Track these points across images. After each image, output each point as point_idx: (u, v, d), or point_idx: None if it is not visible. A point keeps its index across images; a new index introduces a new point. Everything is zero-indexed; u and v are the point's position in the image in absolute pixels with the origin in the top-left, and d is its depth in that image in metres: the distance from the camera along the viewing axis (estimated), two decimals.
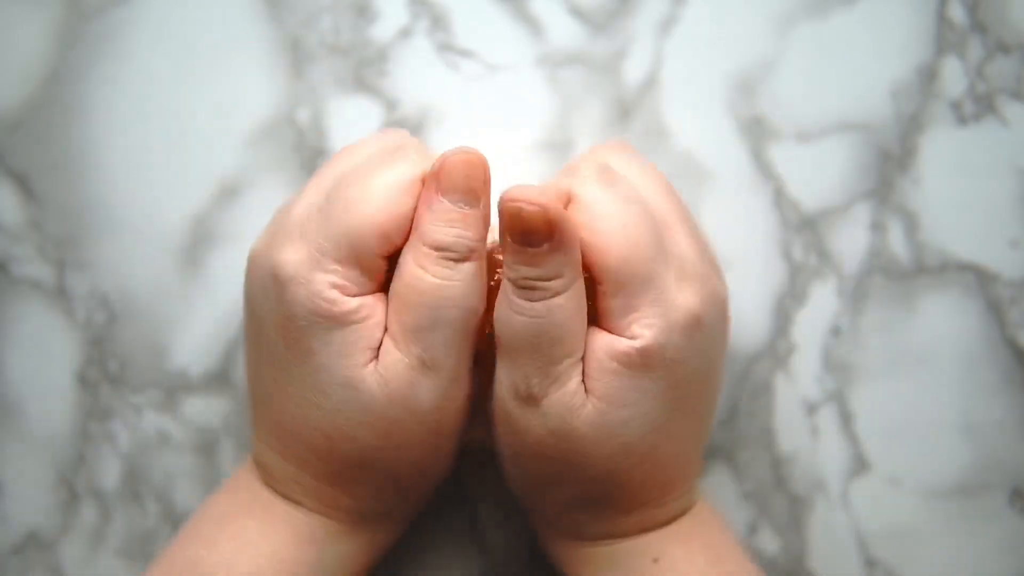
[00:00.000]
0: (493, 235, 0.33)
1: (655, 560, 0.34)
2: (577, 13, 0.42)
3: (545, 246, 0.30)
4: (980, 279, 0.41)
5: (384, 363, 0.31)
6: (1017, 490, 0.41)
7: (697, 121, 0.42)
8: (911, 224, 0.42)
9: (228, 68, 0.42)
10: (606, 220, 0.32)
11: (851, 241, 0.42)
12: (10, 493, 0.42)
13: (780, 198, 0.42)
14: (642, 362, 0.31)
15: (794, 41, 0.42)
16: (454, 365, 0.32)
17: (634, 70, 0.42)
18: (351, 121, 0.42)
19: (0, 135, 0.42)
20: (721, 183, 0.41)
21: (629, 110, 0.42)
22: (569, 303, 0.31)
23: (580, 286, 0.31)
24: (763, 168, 0.42)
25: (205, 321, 0.42)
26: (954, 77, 0.42)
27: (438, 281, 0.31)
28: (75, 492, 0.42)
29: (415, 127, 0.42)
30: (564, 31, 0.42)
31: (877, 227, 0.42)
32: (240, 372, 0.41)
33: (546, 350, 0.31)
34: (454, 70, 0.42)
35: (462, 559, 0.41)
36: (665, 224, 0.33)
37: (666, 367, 0.32)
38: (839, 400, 0.42)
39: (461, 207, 0.31)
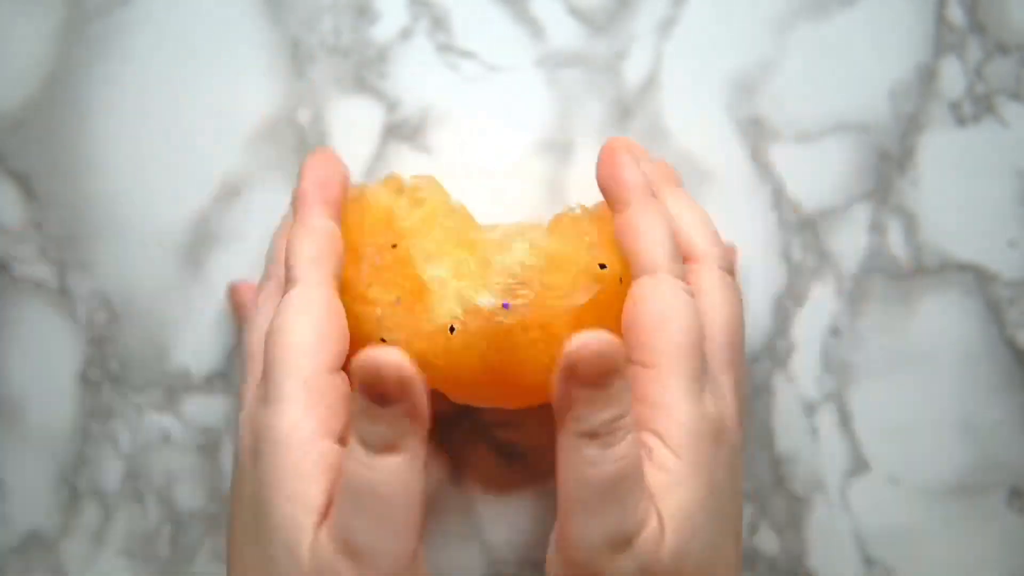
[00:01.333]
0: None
1: None
2: (577, 14, 0.42)
3: (617, 384, 0.29)
4: (979, 279, 0.41)
5: (316, 549, 0.30)
6: (1016, 490, 0.41)
7: (697, 122, 0.42)
8: (910, 224, 0.42)
9: (229, 68, 0.42)
10: (666, 316, 0.32)
11: (850, 241, 0.42)
12: (11, 493, 0.42)
13: (779, 198, 0.42)
14: (683, 466, 0.31)
15: (793, 42, 0.42)
16: (387, 557, 0.30)
17: (634, 71, 0.42)
18: (351, 121, 0.42)
19: (1, 135, 0.42)
20: (720, 183, 0.41)
21: (629, 110, 0.42)
22: (636, 439, 0.30)
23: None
24: (762, 168, 0.42)
25: (206, 321, 0.42)
26: (953, 78, 0.42)
27: (362, 471, 0.29)
28: (76, 492, 0.42)
29: (415, 127, 0.42)
30: (564, 32, 0.42)
31: (876, 227, 0.42)
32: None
33: (636, 489, 0.30)
34: (454, 71, 0.42)
35: (462, 559, 0.41)
36: (718, 345, 0.34)
37: (703, 473, 0.31)
38: (838, 400, 0.42)
39: (376, 407, 0.29)
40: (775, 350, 0.42)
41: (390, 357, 0.29)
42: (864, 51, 0.42)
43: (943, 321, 0.41)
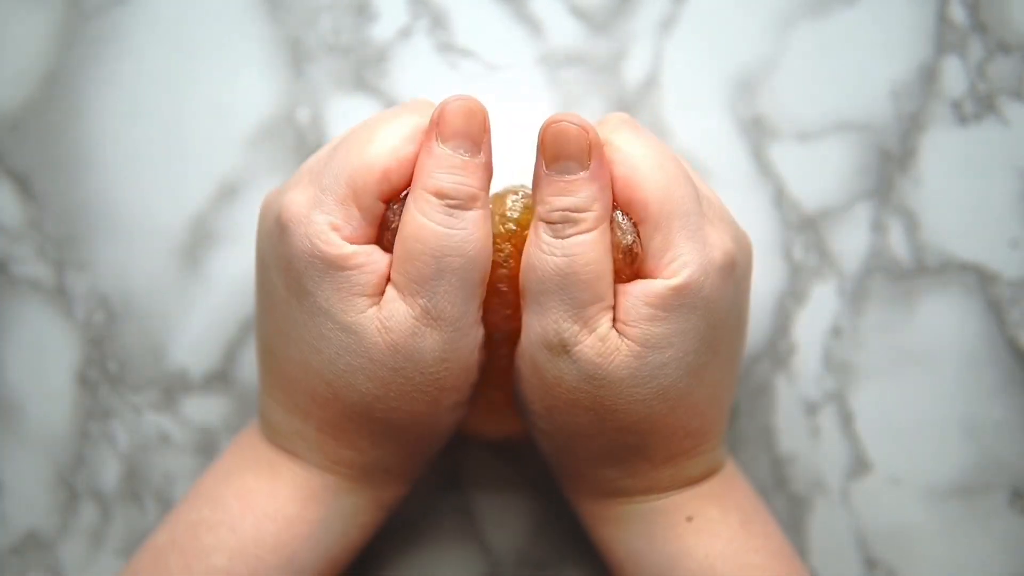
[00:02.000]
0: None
1: (689, 519, 0.34)
2: (577, 13, 0.42)
3: (581, 173, 0.31)
4: (980, 279, 0.41)
5: (386, 311, 0.31)
6: (1017, 490, 0.41)
7: (697, 121, 0.42)
8: (911, 224, 0.42)
9: (228, 68, 0.42)
10: (644, 159, 0.32)
11: (851, 241, 0.42)
12: (10, 493, 0.42)
13: (780, 198, 0.42)
14: (679, 301, 0.31)
15: (794, 41, 0.42)
16: (461, 315, 0.31)
17: (634, 70, 0.42)
18: (351, 121, 0.41)
19: (0, 135, 0.42)
20: (721, 183, 0.41)
21: (629, 110, 0.42)
22: (599, 242, 0.31)
23: (607, 226, 0.32)
24: (763, 168, 0.42)
25: (204, 321, 0.42)
26: (955, 77, 0.42)
27: (441, 229, 0.31)
28: (75, 492, 0.42)
29: None
30: (564, 31, 0.42)
31: (877, 227, 0.42)
32: (240, 371, 0.41)
33: (576, 292, 0.31)
34: (454, 70, 0.42)
35: (462, 559, 0.41)
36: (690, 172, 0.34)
37: (703, 307, 0.32)
38: (839, 400, 0.42)
39: (461, 154, 0.31)
40: (776, 350, 0.42)
41: (477, 102, 0.31)
42: (865, 50, 0.42)
43: (944, 321, 0.41)
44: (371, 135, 0.32)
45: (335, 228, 0.31)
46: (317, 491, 0.34)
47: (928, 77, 0.42)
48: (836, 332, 0.42)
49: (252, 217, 0.41)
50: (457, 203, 0.31)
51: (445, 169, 0.31)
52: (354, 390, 0.32)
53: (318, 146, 0.41)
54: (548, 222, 0.31)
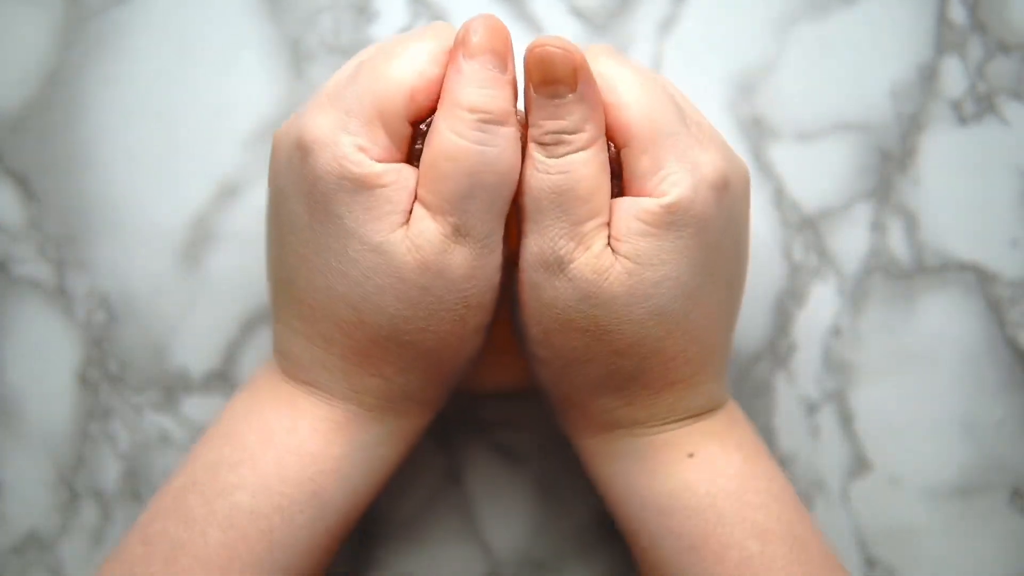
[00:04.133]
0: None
1: (690, 455, 0.34)
2: (577, 13, 0.42)
3: (570, 96, 0.31)
4: (980, 279, 0.41)
5: (416, 230, 0.31)
6: (1017, 490, 0.41)
7: None
8: (911, 224, 0.42)
9: (228, 68, 0.42)
10: (626, 83, 0.32)
11: (851, 241, 0.42)
12: (10, 493, 0.42)
13: (780, 198, 0.42)
14: (671, 219, 0.31)
15: (794, 41, 0.42)
16: (489, 232, 0.31)
17: None
18: None
19: (0, 135, 0.42)
20: None
21: None
22: (593, 160, 0.31)
23: (603, 145, 0.32)
24: (763, 168, 0.42)
25: (205, 321, 0.41)
26: (954, 77, 0.42)
27: (476, 146, 0.31)
28: (75, 492, 0.42)
29: None
30: (564, 31, 0.42)
31: (877, 227, 0.42)
32: (240, 371, 0.41)
33: (571, 209, 0.31)
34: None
35: (462, 559, 0.41)
36: (677, 96, 0.34)
37: (695, 225, 0.32)
38: (839, 400, 0.42)
39: (490, 70, 0.31)
40: (776, 350, 0.42)
41: (499, 20, 0.31)
42: (865, 50, 0.42)
43: (944, 321, 0.41)
44: (395, 56, 0.32)
45: (362, 149, 0.31)
46: (340, 423, 0.34)
47: (928, 77, 0.42)
48: (836, 332, 0.42)
49: (253, 217, 0.41)
50: (491, 117, 0.31)
51: (477, 83, 0.31)
52: (382, 312, 0.32)
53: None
54: (541, 144, 0.31)
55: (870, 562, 0.41)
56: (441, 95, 0.31)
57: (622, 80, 0.32)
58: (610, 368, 0.33)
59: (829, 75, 0.42)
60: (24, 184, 0.42)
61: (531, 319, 0.33)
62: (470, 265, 0.31)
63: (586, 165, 0.31)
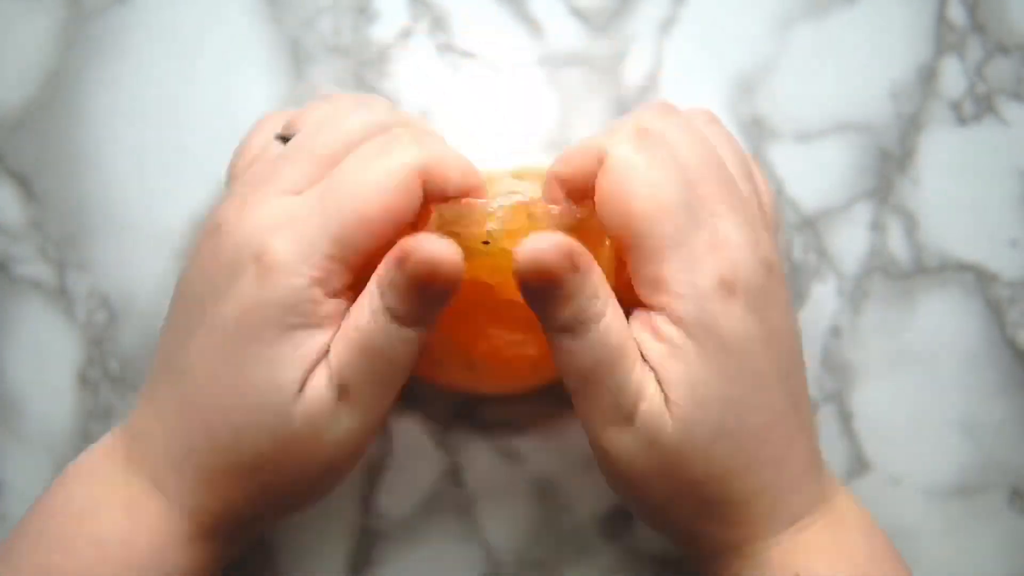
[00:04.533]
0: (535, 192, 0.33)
1: None
2: (577, 14, 0.42)
3: (576, 277, 0.30)
4: (980, 279, 0.41)
5: (313, 385, 0.31)
6: (1017, 490, 0.41)
7: None
8: (911, 224, 0.42)
9: (228, 68, 0.42)
10: (633, 182, 0.31)
11: (851, 241, 0.42)
12: (10, 493, 0.42)
13: (780, 198, 0.42)
14: (683, 339, 0.31)
15: (794, 41, 0.42)
16: (377, 410, 0.32)
17: (634, 70, 0.42)
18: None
19: (0, 135, 0.42)
20: None
21: (630, 110, 0.42)
22: (616, 316, 0.31)
23: (616, 303, 0.31)
24: (763, 168, 0.42)
25: None
26: (954, 77, 0.42)
27: (383, 336, 0.31)
28: None
29: None
30: (564, 32, 0.42)
31: (877, 227, 0.42)
32: None
33: (617, 367, 0.31)
34: (454, 71, 0.42)
35: (462, 559, 0.41)
36: (702, 188, 0.32)
37: (712, 337, 0.31)
38: (839, 400, 0.42)
39: (417, 290, 0.30)
40: None
41: (447, 253, 0.30)
42: (865, 51, 0.42)
43: (943, 321, 0.41)
44: (363, 186, 0.31)
45: (319, 282, 0.31)
46: (174, 538, 0.32)
47: (927, 77, 0.42)
48: (835, 332, 0.42)
49: None
50: (406, 322, 0.31)
51: (400, 296, 0.30)
52: (254, 447, 0.31)
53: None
54: (565, 331, 0.31)
55: None
56: (378, 267, 0.31)
57: (632, 177, 0.31)
58: (699, 499, 0.32)
59: (829, 75, 0.42)
60: (25, 184, 0.42)
61: (618, 484, 0.33)
62: (351, 436, 0.32)
63: (616, 321, 0.31)
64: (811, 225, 0.42)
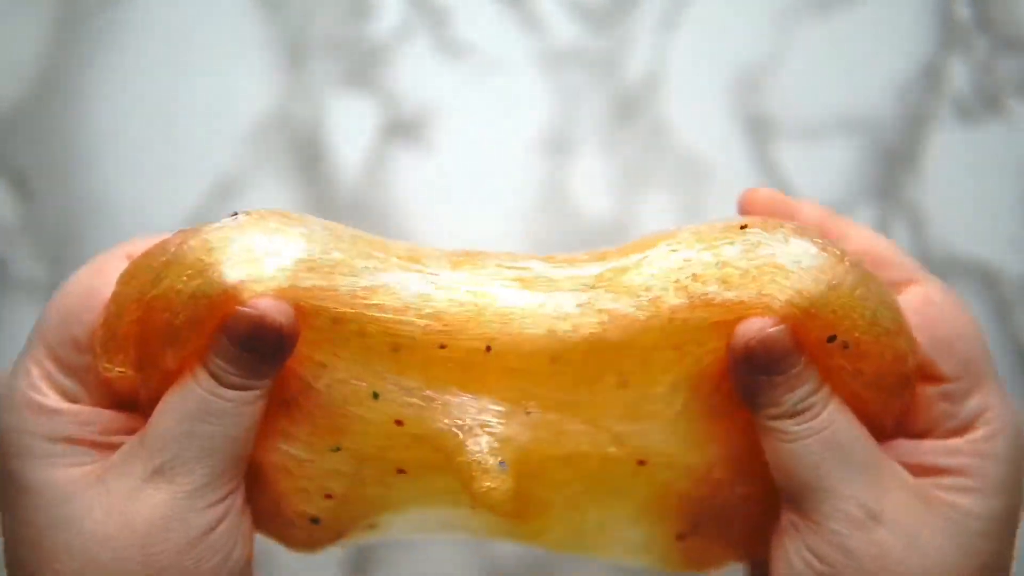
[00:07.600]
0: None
1: None
2: (579, 10, 0.42)
3: (799, 366, 0.29)
4: (986, 278, 0.41)
5: (133, 470, 0.28)
6: None
7: (700, 119, 0.42)
8: (916, 222, 0.41)
9: (225, 65, 0.42)
10: (951, 318, 0.30)
11: None
12: None
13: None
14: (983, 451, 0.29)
15: (798, 38, 0.42)
16: (200, 484, 0.28)
17: (636, 68, 0.42)
18: (349, 119, 0.41)
19: None
20: (724, 181, 0.41)
21: (631, 108, 0.41)
22: (845, 407, 0.29)
23: (838, 398, 0.30)
24: (767, 166, 0.41)
25: None
26: (960, 75, 0.42)
27: (205, 395, 0.28)
28: None
29: (414, 125, 0.41)
30: (565, 28, 0.42)
31: (882, 225, 0.41)
32: None
33: (854, 452, 0.29)
34: (454, 68, 0.42)
35: (462, 559, 0.41)
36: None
37: (1000, 463, 0.29)
38: None
39: (246, 353, 0.28)
40: None
41: (278, 315, 0.28)
42: (870, 48, 0.41)
43: None
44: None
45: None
46: None
47: (933, 75, 0.42)
48: None
49: None
50: (228, 385, 0.28)
51: (225, 362, 0.28)
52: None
53: (316, 144, 0.41)
54: (787, 417, 0.29)
55: None
56: (212, 336, 0.28)
57: (949, 314, 0.30)
58: None
59: (833, 73, 0.42)
60: (20, 183, 0.42)
61: None
62: (163, 515, 0.27)
63: (843, 411, 0.29)
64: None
